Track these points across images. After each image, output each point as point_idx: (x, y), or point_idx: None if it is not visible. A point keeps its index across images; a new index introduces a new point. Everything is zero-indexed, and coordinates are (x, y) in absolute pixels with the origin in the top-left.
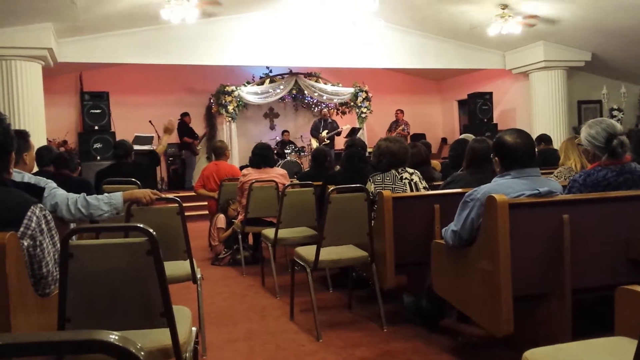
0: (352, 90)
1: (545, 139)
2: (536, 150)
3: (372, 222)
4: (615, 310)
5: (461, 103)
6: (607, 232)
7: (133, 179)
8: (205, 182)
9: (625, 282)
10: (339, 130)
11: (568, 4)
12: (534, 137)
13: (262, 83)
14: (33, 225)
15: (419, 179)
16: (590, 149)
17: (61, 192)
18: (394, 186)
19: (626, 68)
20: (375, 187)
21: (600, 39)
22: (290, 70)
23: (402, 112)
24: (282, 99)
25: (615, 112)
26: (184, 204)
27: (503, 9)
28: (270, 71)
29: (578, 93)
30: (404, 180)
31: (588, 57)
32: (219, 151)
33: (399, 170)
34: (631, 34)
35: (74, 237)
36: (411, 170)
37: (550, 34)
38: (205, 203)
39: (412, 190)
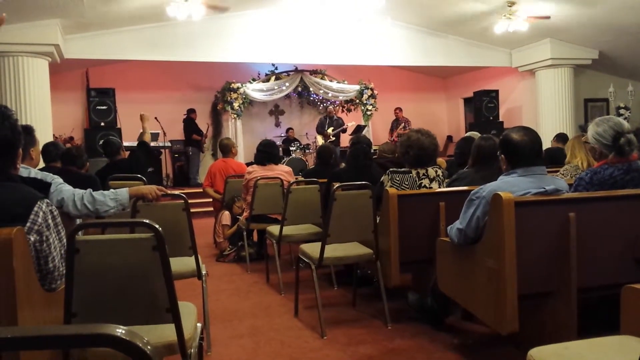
0: (357, 87)
1: (563, 138)
2: (549, 146)
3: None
4: (621, 309)
5: (467, 101)
6: (613, 231)
7: (139, 175)
8: (213, 179)
9: (631, 281)
10: (344, 127)
11: (575, 1)
12: (549, 135)
13: (267, 80)
14: (39, 220)
15: (439, 184)
16: (597, 147)
17: (67, 188)
18: (409, 192)
19: (633, 66)
20: (391, 185)
21: (607, 37)
22: (296, 68)
23: (400, 109)
24: (288, 96)
25: (622, 111)
26: (190, 201)
27: (510, 6)
28: (276, 68)
29: (585, 91)
30: (421, 189)
31: (595, 55)
32: (226, 148)
33: (421, 174)
34: (638, 32)
35: (80, 233)
36: (433, 175)
37: (557, 32)
38: (210, 199)
39: None
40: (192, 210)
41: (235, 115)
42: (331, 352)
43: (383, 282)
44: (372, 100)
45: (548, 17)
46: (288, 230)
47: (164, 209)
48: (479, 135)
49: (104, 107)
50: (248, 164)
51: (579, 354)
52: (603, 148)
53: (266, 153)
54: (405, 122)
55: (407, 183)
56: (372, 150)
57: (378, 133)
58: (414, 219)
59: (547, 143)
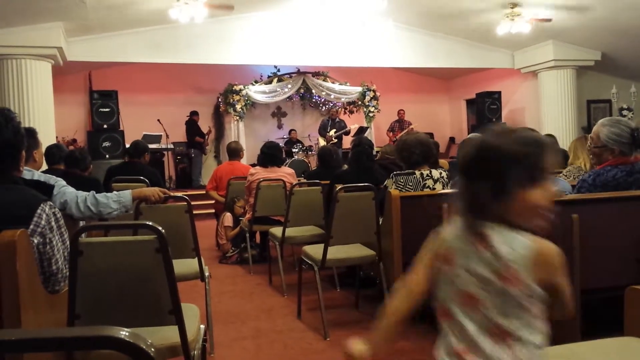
0: (359, 89)
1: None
2: None
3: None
4: (624, 311)
5: (469, 102)
6: (616, 232)
7: (142, 177)
8: (219, 183)
9: (635, 282)
10: (346, 129)
11: (578, 3)
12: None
13: (270, 82)
14: (43, 222)
15: (443, 186)
16: (616, 148)
17: (71, 190)
18: (412, 193)
19: (636, 67)
20: (395, 188)
21: (610, 38)
22: (298, 69)
23: (403, 111)
24: (290, 98)
25: (624, 112)
26: (192, 203)
27: (512, 7)
28: (278, 70)
29: (587, 92)
30: (425, 190)
31: (598, 56)
32: (235, 152)
33: (425, 175)
34: None
35: (83, 235)
36: (437, 176)
37: (559, 33)
38: (213, 201)
39: None
40: (194, 212)
41: (237, 117)
42: (334, 353)
43: (386, 284)
44: (374, 102)
45: (549, 20)
46: (291, 232)
47: (166, 211)
48: None
49: (107, 110)
50: (251, 166)
51: (582, 355)
52: (623, 147)
53: (269, 155)
54: (408, 124)
55: (411, 184)
56: (374, 152)
57: (380, 135)
58: (416, 220)
59: None
